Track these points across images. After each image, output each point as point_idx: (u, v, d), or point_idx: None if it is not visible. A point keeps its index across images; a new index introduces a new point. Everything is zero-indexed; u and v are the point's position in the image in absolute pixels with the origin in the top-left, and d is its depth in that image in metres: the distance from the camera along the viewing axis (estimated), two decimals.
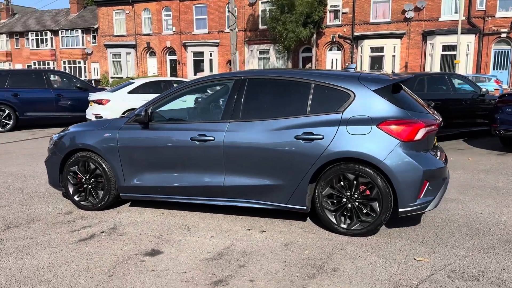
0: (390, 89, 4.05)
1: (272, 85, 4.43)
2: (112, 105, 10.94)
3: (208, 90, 6.26)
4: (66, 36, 38.46)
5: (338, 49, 30.43)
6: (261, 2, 30.93)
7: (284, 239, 3.96)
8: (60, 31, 38.47)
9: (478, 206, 4.91)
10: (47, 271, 3.33)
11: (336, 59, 30.68)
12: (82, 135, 4.84)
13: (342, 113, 4.01)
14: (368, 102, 3.98)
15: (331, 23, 29.84)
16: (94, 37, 37.68)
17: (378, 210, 3.89)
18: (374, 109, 3.96)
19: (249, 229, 4.22)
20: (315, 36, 29.23)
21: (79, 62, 38.32)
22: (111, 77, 35.73)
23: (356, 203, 3.97)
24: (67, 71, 31.73)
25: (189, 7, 33.93)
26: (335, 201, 4.03)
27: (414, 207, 3.88)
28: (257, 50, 32.05)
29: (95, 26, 37.19)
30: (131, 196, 4.75)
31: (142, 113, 4.52)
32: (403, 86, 4.59)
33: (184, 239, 3.98)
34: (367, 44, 28.53)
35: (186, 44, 33.84)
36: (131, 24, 35.78)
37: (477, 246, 3.78)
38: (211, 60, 33.32)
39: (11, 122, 12.05)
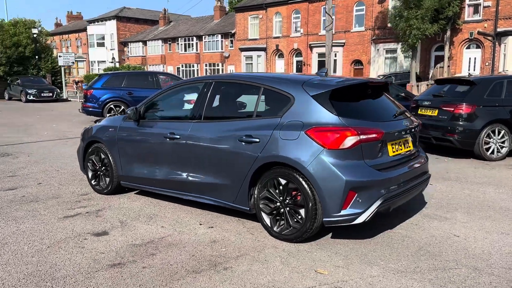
0: (329, 95, 3.87)
1: (231, 89, 4.62)
2: None
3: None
4: (208, 41, 42.23)
5: (477, 47, 27.25)
6: None
7: (219, 236, 4.13)
8: (203, 36, 42.43)
9: (461, 226, 4.32)
10: (14, 236, 4.14)
11: (475, 58, 27.53)
12: (99, 129, 5.68)
13: (281, 117, 4.00)
14: (304, 107, 3.90)
15: (470, 19, 26.88)
16: (231, 41, 40.60)
17: (304, 217, 3.80)
18: (308, 115, 3.86)
19: (200, 224, 4.48)
20: (448, 33, 26.70)
21: (218, 65, 41.73)
22: None
23: (288, 208, 3.93)
24: (176, 74, 35.03)
25: (317, 9, 34.17)
26: (270, 205, 4.05)
27: (338, 218, 3.68)
28: (383, 49, 30.71)
29: (233, 31, 40.06)
30: (127, 185, 5.41)
31: (132, 111, 5.13)
32: (373, 90, 4.31)
33: (139, 225, 4.45)
34: None
35: (312, 45, 34.20)
36: (263, 28, 37.63)
37: (403, 268, 3.42)
38: (335, 60, 33.03)
39: None
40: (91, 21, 53.81)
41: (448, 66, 27.35)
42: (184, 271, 3.38)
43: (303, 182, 3.75)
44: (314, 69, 34.36)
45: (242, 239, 4.05)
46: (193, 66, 43.56)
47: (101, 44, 52.09)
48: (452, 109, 7.80)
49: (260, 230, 4.24)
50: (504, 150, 7.86)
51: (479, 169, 7.14)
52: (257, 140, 4.03)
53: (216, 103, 4.63)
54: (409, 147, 4.31)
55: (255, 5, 37.64)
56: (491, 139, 7.77)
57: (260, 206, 4.11)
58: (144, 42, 48.62)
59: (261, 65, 38.05)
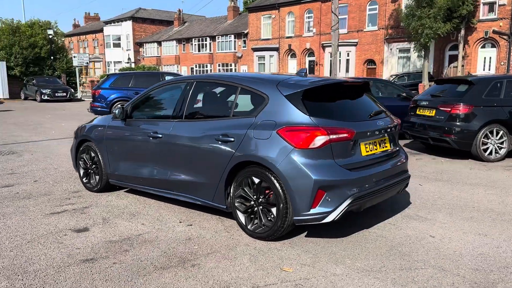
0: (301, 94, 3.90)
1: (210, 88, 4.69)
2: None
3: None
4: (221, 41, 42.43)
5: (493, 46, 26.74)
6: None
7: (196, 233, 4.20)
8: (217, 37, 42.65)
9: (439, 227, 4.30)
10: (11, 231, 4.26)
11: (490, 57, 27.03)
12: (90, 127, 5.80)
13: (255, 117, 4.05)
14: (278, 107, 3.94)
15: (485, 17, 26.40)
16: (244, 42, 40.72)
17: (275, 215, 3.83)
18: (281, 114, 3.90)
19: (180, 222, 4.56)
20: (463, 32, 26.25)
21: (230, 65, 41.90)
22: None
23: (261, 207, 3.98)
24: (184, 75, 34.90)
25: (330, 8, 33.87)
26: (245, 203, 4.10)
27: (308, 217, 3.71)
28: (396, 48, 30.40)
29: (245, 31, 40.17)
30: (115, 182, 5.51)
31: (119, 111, 5.24)
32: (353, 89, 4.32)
33: (120, 222, 4.55)
34: None
35: (325, 45, 34.04)
36: (276, 27, 37.64)
37: (369, 267, 3.44)
38: (347, 60, 32.87)
39: None
40: (107, 22, 54.63)
41: (462, 66, 26.90)
42: (152, 267, 3.46)
43: (275, 181, 3.79)
44: (326, 69, 34.22)
45: (217, 237, 4.11)
46: (206, 66, 43.85)
47: (117, 45, 52.82)
48: (449, 109, 7.72)
49: (236, 229, 4.29)
50: (502, 151, 7.73)
51: (474, 170, 7.05)
52: (232, 139, 4.08)
53: (195, 103, 4.70)
54: (386, 146, 4.30)
55: (268, 5, 37.67)
56: (489, 140, 7.66)
57: (236, 204, 4.16)
58: (159, 43, 49.12)
59: (273, 65, 38.08)
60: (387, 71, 30.97)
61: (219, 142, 4.19)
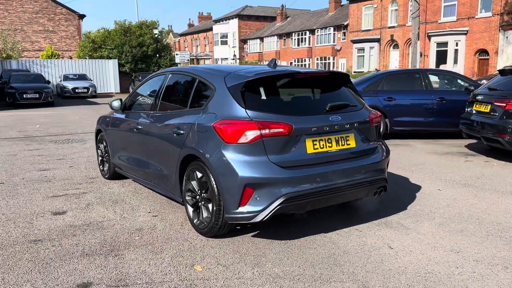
0: (242, 86, 3.67)
1: (179, 81, 4.66)
2: None
3: None
4: (321, 35, 41.75)
5: None
6: None
7: (151, 224, 4.24)
8: (316, 30, 42.09)
9: (410, 238, 3.71)
10: (4, 210, 4.79)
11: None
12: (103, 118, 6.20)
13: (202, 109, 3.93)
14: (221, 100, 3.78)
15: None
16: (344, 34, 39.53)
17: (210, 212, 3.69)
18: (222, 107, 3.74)
19: (149, 212, 4.64)
20: None
21: (329, 58, 41.04)
22: (354, 72, 36.82)
23: (203, 202, 3.86)
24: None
25: None
26: (193, 197, 4.02)
27: (237, 215, 3.51)
28: None
29: (345, 23, 38.94)
30: (118, 171, 5.81)
31: (117, 102, 5.49)
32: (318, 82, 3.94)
33: (98, 208, 4.78)
34: None
35: (430, 34, 31.43)
36: (377, 18, 35.84)
37: (284, 273, 3.14)
38: (456, 50, 29.91)
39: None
40: (216, 21, 57.42)
41: None
42: (79, 253, 3.58)
43: (210, 176, 3.65)
44: (432, 60, 31.62)
45: (167, 230, 4.10)
46: (304, 61, 43.57)
47: (224, 42, 55.24)
48: (504, 104, 6.58)
49: None
50: None
51: None
52: (182, 132, 4.03)
53: (167, 95, 4.72)
54: (349, 144, 3.84)
55: None
56: None
57: (186, 198, 4.10)
58: (261, 39, 50.15)
59: (373, 57, 36.33)
60: (502, 62, 27.44)
61: (174, 135, 4.16)
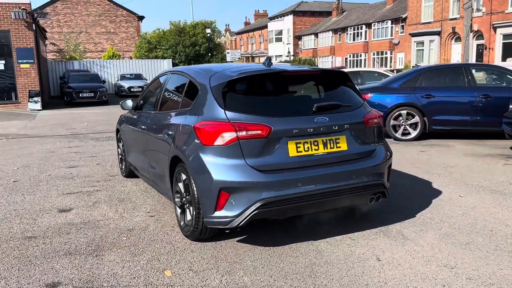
0: (223, 87, 3.54)
1: (176, 81, 4.61)
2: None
3: None
4: (377, 28, 40.29)
5: None
6: None
7: (143, 225, 4.24)
8: (373, 24, 40.68)
9: (404, 251, 3.39)
10: (9, 205, 5.02)
11: None
12: (120, 118, 6.33)
13: (189, 110, 3.85)
14: (204, 100, 3.69)
15: None
16: (402, 27, 37.86)
17: (191, 215, 3.60)
18: (204, 108, 3.65)
19: (148, 212, 4.65)
20: None
21: (386, 53, 39.50)
22: (412, 66, 35.19)
23: (187, 204, 3.79)
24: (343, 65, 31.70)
25: None
26: (181, 199, 3.95)
27: (213, 220, 3.41)
28: None
29: (403, 16, 37.28)
30: (132, 169, 5.90)
31: (130, 102, 5.58)
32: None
33: (101, 207, 4.87)
34: None
35: (496, 25, 29.23)
36: (438, 9, 33.93)
37: (244, 283, 2.97)
38: (509, 44, 27.59)
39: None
40: (271, 18, 57.35)
41: None
42: (63, 252, 3.64)
43: (191, 179, 3.57)
44: (497, 53, 29.43)
45: (158, 231, 4.07)
46: (360, 56, 42.29)
47: (278, 39, 55.04)
48: None
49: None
50: None
51: None
52: (171, 133, 3.98)
53: (166, 95, 4.70)
54: (339, 147, 3.58)
55: None
56: None
57: (175, 200, 4.05)
58: (316, 35, 49.37)
59: (433, 51, 34.45)
60: None
61: (166, 136, 4.12)
